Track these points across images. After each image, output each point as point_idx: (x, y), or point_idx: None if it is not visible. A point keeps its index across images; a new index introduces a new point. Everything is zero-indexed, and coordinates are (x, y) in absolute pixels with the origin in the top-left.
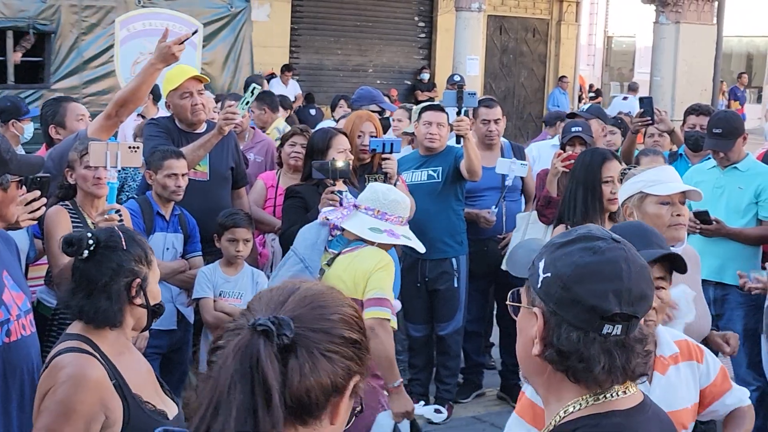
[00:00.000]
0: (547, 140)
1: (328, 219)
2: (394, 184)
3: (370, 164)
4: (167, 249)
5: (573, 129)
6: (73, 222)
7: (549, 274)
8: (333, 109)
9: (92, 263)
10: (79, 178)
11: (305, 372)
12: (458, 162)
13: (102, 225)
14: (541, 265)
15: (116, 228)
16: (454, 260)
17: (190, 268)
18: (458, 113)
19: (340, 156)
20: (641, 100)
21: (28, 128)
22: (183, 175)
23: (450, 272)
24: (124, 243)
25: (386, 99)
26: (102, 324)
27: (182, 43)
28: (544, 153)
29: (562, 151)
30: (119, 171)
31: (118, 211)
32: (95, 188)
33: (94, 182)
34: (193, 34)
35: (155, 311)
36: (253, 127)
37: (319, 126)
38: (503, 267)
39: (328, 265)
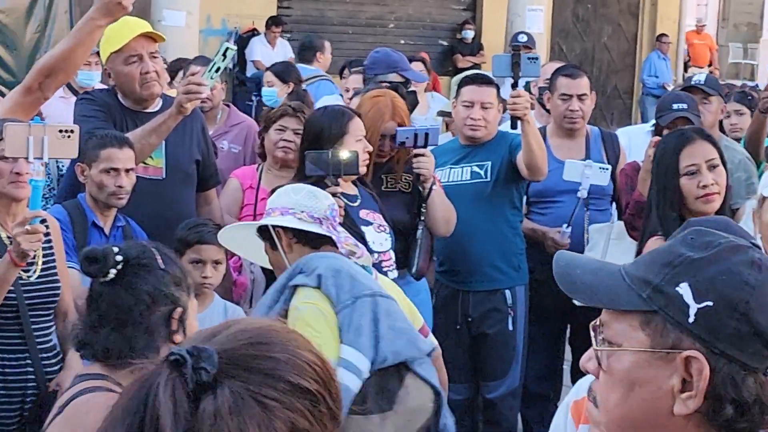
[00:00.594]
0: (641, 125)
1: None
2: (429, 191)
3: (388, 160)
4: None
5: (674, 106)
6: None
7: (710, 303)
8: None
9: (121, 287)
10: None
11: (222, 415)
12: (514, 154)
13: (20, 239)
14: (686, 290)
15: (144, 242)
16: (508, 292)
17: None
18: (514, 86)
19: (356, 146)
20: None
21: (83, 74)
22: (128, 170)
23: (502, 309)
24: (160, 260)
25: (412, 66)
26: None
27: None
28: (636, 142)
29: (658, 138)
30: (46, 164)
31: (43, 220)
32: (12, 188)
33: (10, 179)
34: None
35: None
36: (227, 105)
37: (320, 103)
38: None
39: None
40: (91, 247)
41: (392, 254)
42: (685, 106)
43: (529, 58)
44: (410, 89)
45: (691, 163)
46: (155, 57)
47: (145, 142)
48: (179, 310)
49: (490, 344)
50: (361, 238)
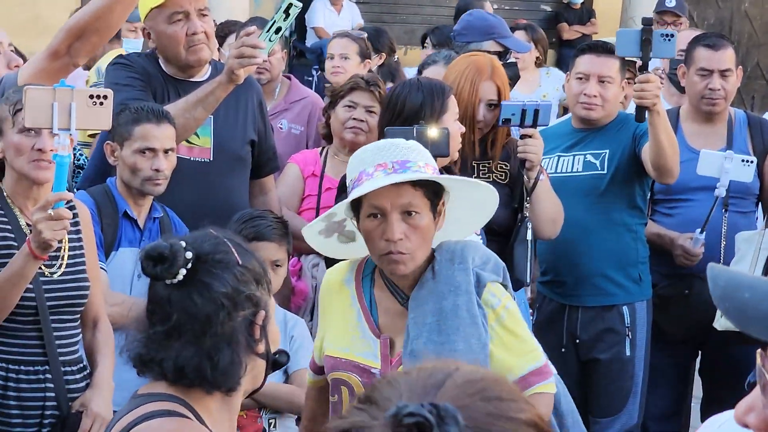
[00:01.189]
0: None
1: None
2: (535, 182)
3: (484, 142)
4: (139, 276)
5: None
6: None
7: None
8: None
9: (195, 289)
10: (8, 148)
11: None
12: (639, 145)
13: (41, 226)
14: None
15: (213, 231)
16: (626, 309)
17: None
18: (642, 69)
19: (453, 126)
20: None
21: (129, 42)
22: (167, 151)
23: (619, 330)
24: (236, 254)
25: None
26: (215, 386)
27: None
28: None
29: None
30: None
31: (70, 203)
32: (33, 168)
33: (31, 158)
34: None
35: (276, 363)
36: (288, 77)
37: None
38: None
39: None
40: (155, 243)
41: None
42: None
43: (662, 35)
44: (510, 60)
45: None
46: (204, 15)
47: (189, 116)
48: (262, 313)
49: (603, 372)
50: None
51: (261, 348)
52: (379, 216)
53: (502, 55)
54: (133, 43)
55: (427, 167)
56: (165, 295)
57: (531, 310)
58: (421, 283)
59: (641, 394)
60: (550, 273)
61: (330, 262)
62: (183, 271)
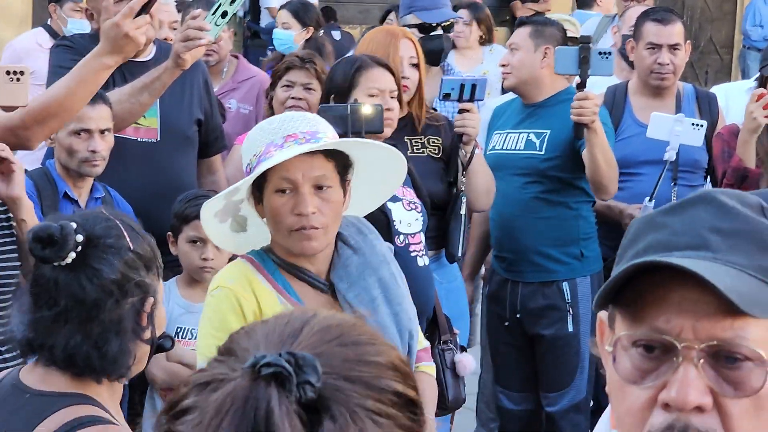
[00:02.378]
0: (741, 82)
1: None
2: (471, 156)
3: (410, 117)
4: None
5: None
6: None
7: None
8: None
9: (84, 274)
10: None
11: None
12: (579, 146)
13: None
14: None
15: (105, 212)
16: (566, 286)
17: None
18: (580, 87)
19: (371, 100)
20: None
21: (74, 23)
22: (104, 131)
23: (560, 307)
24: (128, 239)
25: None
26: (104, 375)
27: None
28: (735, 101)
29: (763, 91)
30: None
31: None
32: None
33: None
34: None
35: (161, 347)
36: (235, 56)
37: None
38: None
39: None
40: (45, 224)
41: (422, 237)
42: None
43: (600, 53)
44: (436, 33)
45: None
46: None
47: (135, 101)
48: (150, 300)
49: (548, 348)
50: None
51: (147, 334)
52: (288, 191)
53: (426, 28)
54: (77, 24)
55: (334, 137)
56: (52, 277)
57: (484, 283)
58: (342, 262)
59: (590, 369)
60: (496, 248)
61: None
62: (72, 255)
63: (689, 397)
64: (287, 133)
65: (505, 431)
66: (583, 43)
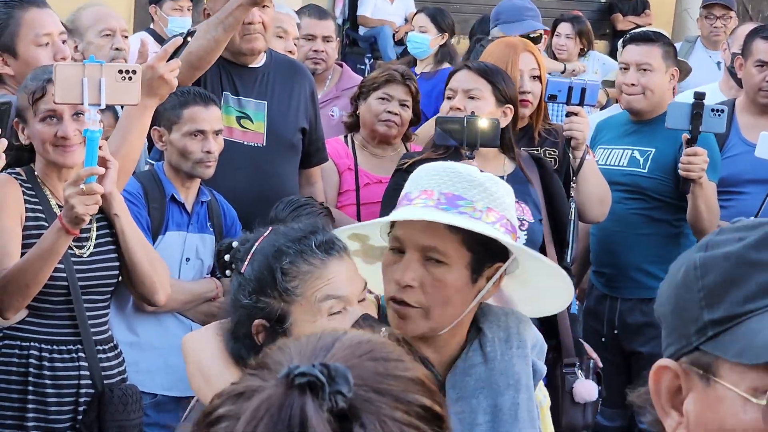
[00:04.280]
0: None
1: None
2: (581, 162)
3: (529, 129)
4: (187, 259)
5: None
6: (26, 199)
7: None
8: (471, 41)
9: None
10: (33, 137)
11: None
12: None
13: (73, 201)
14: None
15: None
16: None
17: (225, 293)
18: (690, 142)
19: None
20: None
21: (174, 21)
22: (216, 133)
23: (658, 324)
24: None
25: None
26: None
27: (175, 54)
28: None
29: None
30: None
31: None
32: (59, 155)
33: (54, 143)
34: (188, 36)
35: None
36: (339, 64)
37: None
38: None
39: None
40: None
41: None
42: None
43: (713, 110)
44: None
45: None
46: (266, 6)
47: (210, 37)
48: None
49: (644, 365)
50: None
51: None
52: (397, 252)
53: (535, 40)
54: (178, 22)
55: (488, 213)
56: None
57: (578, 301)
58: (465, 367)
59: None
60: (596, 263)
61: None
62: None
63: None
64: (424, 188)
65: None
66: (697, 99)
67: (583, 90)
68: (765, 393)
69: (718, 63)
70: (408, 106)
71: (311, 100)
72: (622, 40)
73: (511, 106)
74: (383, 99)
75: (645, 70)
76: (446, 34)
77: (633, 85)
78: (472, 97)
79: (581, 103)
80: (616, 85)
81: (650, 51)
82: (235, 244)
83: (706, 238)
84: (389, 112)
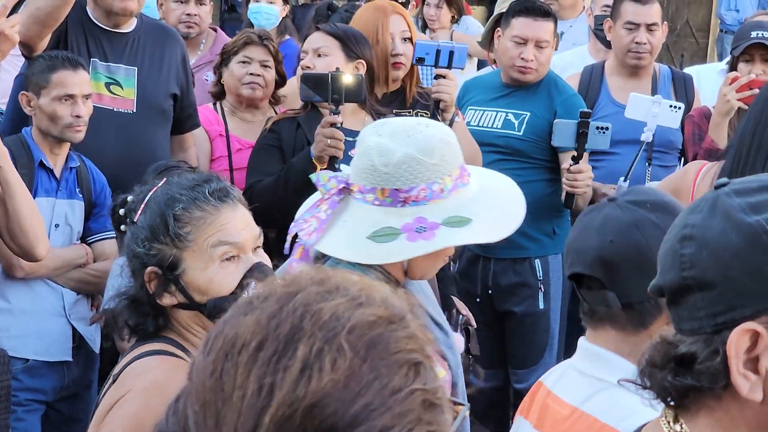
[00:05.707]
0: (713, 64)
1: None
2: (450, 124)
3: (402, 91)
4: (56, 225)
5: (753, 34)
6: None
7: None
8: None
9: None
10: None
11: None
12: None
13: None
14: None
15: None
16: (538, 263)
17: (95, 259)
18: (576, 159)
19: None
20: None
21: None
22: (86, 97)
23: (530, 283)
24: None
25: None
26: None
27: (14, 10)
28: (707, 83)
29: (737, 75)
30: None
31: None
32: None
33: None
34: None
35: None
36: (213, 29)
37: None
38: None
39: None
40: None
41: None
42: (766, 33)
43: (597, 128)
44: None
45: None
46: None
47: None
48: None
49: (518, 325)
50: None
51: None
52: None
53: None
54: None
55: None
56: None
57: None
58: None
59: (559, 347)
60: None
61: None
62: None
63: None
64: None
65: (475, 406)
66: (583, 118)
67: (451, 53)
68: None
69: (561, 33)
70: (270, 67)
71: (182, 65)
72: (511, 8)
73: (362, 62)
74: (244, 62)
75: (542, 47)
76: (288, 5)
77: (531, 60)
78: (320, 55)
79: (449, 66)
80: (506, 54)
81: (548, 27)
82: (130, 198)
83: (732, 201)
84: (251, 74)
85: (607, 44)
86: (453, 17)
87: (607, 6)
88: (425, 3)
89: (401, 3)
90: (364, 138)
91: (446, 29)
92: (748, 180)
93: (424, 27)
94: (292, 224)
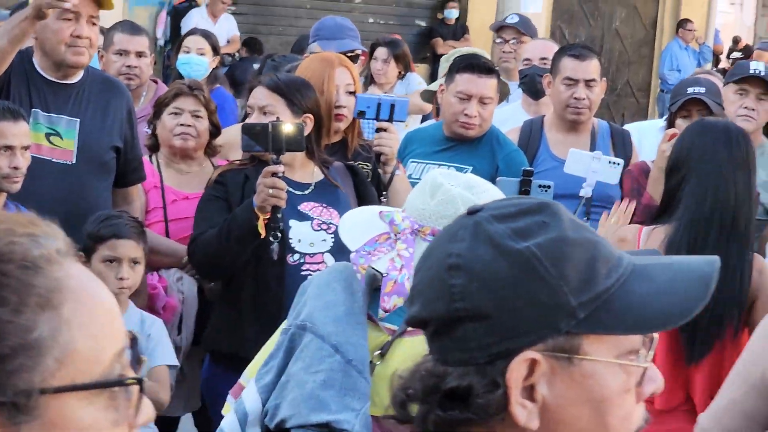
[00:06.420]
0: (653, 121)
1: (371, 267)
2: (392, 178)
3: (344, 143)
4: None
5: (689, 90)
6: None
7: None
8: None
9: None
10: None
11: None
12: (501, 167)
13: None
14: None
15: None
16: None
17: None
18: None
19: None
20: None
21: None
22: (24, 148)
23: None
24: None
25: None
26: None
27: None
28: (648, 140)
29: (675, 131)
30: None
31: None
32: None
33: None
34: None
35: None
36: (155, 81)
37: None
38: None
39: (382, 354)
40: None
41: (331, 258)
42: (702, 89)
43: (540, 186)
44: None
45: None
46: (94, 24)
47: None
48: None
49: None
50: (280, 232)
51: None
52: None
53: (352, 58)
54: None
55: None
56: None
57: None
58: None
59: None
60: None
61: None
62: None
63: None
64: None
65: None
66: (525, 176)
67: (392, 106)
68: (637, 353)
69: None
70: (201, 117)
71: (128, 118)
72: (456, 61)
73: (310, 116)
74: (175, 114)
75: (485, 103)
76: (219, 56)
77: (474, 116)
78: (265, 113)
79: (390, 119)
80: (449, 110)
81: (492, 84)
82: None
83: (495, 227)
84: (182, 125)
85: (534, 95)
86: (400, 73)
87: (528, 59)
88: (373, 57)
89: (350, 57)
90: (441, 185)
91: (392, 84)
92: (503, 204)
93: (371, 81)
94: (354, 254)
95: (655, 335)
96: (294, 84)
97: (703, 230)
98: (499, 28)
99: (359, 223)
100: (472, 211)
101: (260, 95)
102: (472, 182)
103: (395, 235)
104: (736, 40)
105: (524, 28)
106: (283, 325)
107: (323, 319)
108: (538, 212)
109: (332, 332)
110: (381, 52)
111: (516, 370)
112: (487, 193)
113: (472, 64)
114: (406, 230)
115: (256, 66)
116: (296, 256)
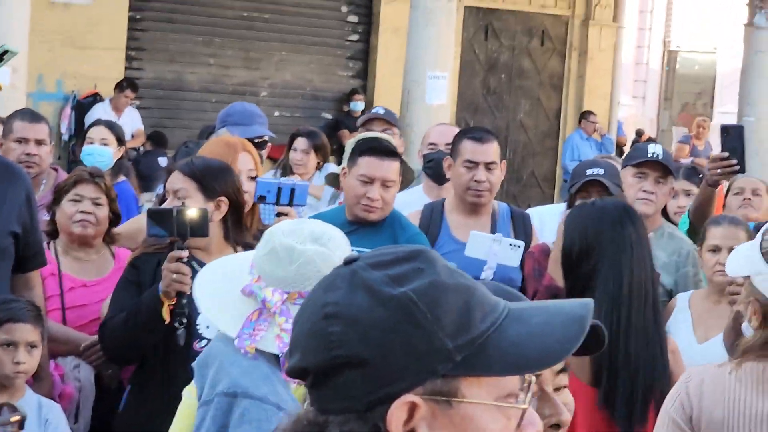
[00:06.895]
0: (555, 205)
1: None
2: None
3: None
4: None
5: (589, 172)
6: None
7: None
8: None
9: None
10: None
11: None
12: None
13: None
14: None
15: None
16: None
17: None
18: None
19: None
20: (725, 130)
21: None
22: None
23: None
24: None
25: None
26: None
27: None
28: (550, 220)
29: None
30: None
31: None
32: None
33: None
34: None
35: None
36: (55, 169)
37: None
38: None
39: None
40: None
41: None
42: (601, 171)
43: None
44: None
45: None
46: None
47: None
48: None
49: None
50: (186, 318)
51: None
52: None
53: (260, 145)
54: None
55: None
56: None
57: None
58: None
59: None
60: None
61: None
62: None
63: None
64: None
65: None
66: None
67: (293, 190)
68: (517, 397)
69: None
70: (101, 204)
71: (27, 203)
72: (358, 144)
73: (223, 199)
74: (75, 200)
75: (388, 186)
76: (123, 147)
77: (376, 200)
78: (179, 198)
79: (291, 203)
80: (351, 193)
81: (394, 167)
82: None
83: (372, 275)
84: (82, 212)
85: (438, 180)
86: (319, 163)
87: (433, 144)
88: (292, 148)
89: (258, 143)
90: (293, 248)
91: (310, 174)
92: (379, 253)
93: (290, 172)
94: (238, 339)
95: (533, 378)
96: (209, 168)
97: (626, 309)
98: (367, 121)
99: (226, 306)
100: (348, 261)
101: (175, 179)
102: (317, 233)
103: (269, 311)
104: (639, 133)
105: (391, 119)
106: (191, 398)
107: (254, 382)
108: (413, 259)
109: (268, 392)
110: (301, 142)
111: (396, 415)
112: (333, 240)
113: (374, 148)
114: (278, 302)
115: (161, 159)
116: (203, 342)
